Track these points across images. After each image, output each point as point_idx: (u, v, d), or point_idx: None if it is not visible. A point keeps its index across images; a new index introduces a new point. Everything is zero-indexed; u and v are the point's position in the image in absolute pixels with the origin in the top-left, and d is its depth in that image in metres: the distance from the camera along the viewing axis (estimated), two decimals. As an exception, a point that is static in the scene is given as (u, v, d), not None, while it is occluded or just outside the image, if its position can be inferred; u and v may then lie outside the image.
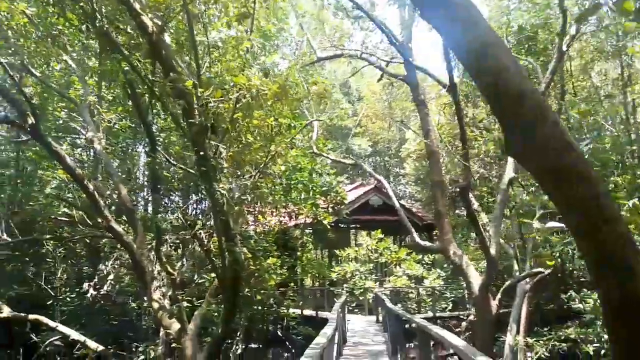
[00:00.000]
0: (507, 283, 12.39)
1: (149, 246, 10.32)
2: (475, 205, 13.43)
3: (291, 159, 13.90)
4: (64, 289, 12.70)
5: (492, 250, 11.39)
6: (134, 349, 11.66)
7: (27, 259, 12.63)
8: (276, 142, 8.79)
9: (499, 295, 11.74)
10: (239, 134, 7.52)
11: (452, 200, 23.91)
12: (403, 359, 10.37)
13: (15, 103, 8.61)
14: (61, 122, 11.85)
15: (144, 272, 10.09)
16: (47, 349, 10.80)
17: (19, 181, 13.75)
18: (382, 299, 14.70)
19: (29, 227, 12.52)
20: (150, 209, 13.78)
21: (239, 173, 9.06)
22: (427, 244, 15.64)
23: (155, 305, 10.05)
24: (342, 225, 24.13)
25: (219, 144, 6.52)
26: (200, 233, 8.88)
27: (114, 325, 13.24)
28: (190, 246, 11.16)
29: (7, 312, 9.76)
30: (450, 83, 10.48)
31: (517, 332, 14.56)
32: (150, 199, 16.12)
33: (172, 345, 10.99)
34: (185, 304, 10.13)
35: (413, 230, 13.90)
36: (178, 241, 11.43)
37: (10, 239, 11.52)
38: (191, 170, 7.95)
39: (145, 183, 16.32)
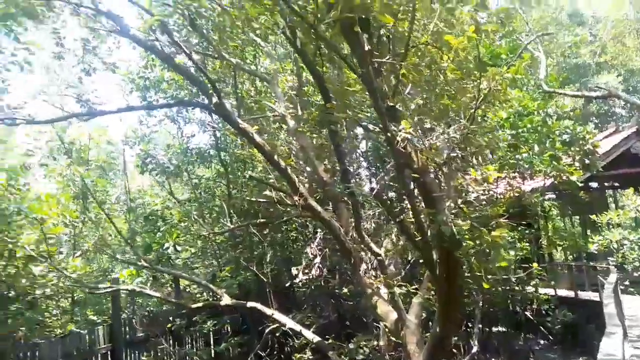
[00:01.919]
0: None
1: (352, 224, 8.99)
2: None
3: (515, 102, 10.84)
4: (276, 274, 12.56)
5: None
6: (352, 340, 10.63)
7: (240, 245, 12.92)
8: (488, 75, 6.23)
9: None
10: (426, 60, 5.35)
11: None
12: None
13: (201, 85, 8.33)
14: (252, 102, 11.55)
15: (349, 253, 8.78)
16: (269, 336, 10.63)
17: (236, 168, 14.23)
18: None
19: (243, 213, 12.81)
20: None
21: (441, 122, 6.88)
22: None
23: (368, 290, 8.67)
24: (593, 185, 19.32)
25: (395, 63, 4.45)
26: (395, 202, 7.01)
27: (331, 312, 12.61)
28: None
29: (227, 300, 9.76)
30: None
31: None
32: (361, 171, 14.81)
33: (390, 338, 9.56)
34: (398, 290, 8.50)
35: None
36: (381, 215, 9.89)
37: (231, 226, 11.88)
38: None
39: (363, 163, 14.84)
